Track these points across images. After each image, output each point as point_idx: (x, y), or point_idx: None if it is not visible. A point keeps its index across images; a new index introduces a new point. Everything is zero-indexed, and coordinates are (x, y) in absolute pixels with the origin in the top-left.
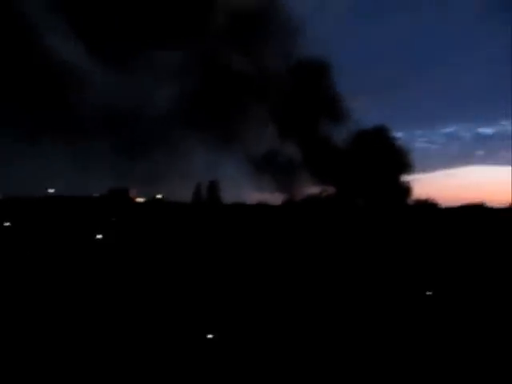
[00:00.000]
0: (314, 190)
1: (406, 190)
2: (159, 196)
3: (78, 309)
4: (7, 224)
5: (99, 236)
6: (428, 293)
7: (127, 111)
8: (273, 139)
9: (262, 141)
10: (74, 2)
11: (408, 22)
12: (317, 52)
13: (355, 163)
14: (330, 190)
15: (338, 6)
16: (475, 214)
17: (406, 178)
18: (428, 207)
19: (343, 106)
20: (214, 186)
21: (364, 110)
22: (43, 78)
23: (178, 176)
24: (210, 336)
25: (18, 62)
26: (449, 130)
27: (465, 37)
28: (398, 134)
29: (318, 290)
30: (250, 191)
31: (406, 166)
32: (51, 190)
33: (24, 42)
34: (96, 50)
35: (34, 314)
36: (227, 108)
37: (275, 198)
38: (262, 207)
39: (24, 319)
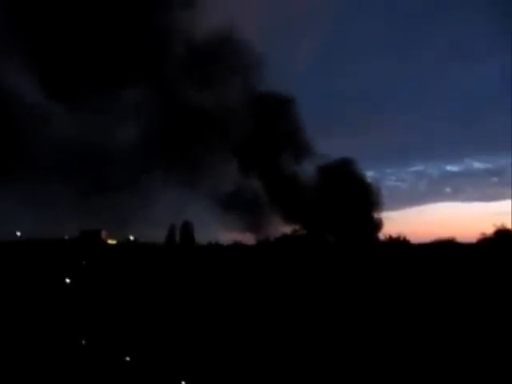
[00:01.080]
0: (285, 228)
1: (377, 226)
2: (132, 238)
3: (46, 354)
4: None
5: (68, 280)
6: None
7: (89, 151)
8: (238, 176)
9: (228, 178)
10: (32, 42)
11: (377, 65)
12: (284, 88)
13: (323, 200)
14: (300, 228)
15: (309, 45)
16: (446, 250)
17: (376, 214)
18: (399, 244)
19: (307, 140)
20: (187, 227)
21: (333, 150)
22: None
23: (146, 217)
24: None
25: None
26: (417, 168)
27: (430, 77)
28: (369, 173)
29: (297, 331)
30: (222, 231)
31: (375, 203)
32: (18, 233)
33: None
34: (55, 91)
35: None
36: (189, 146)
37: (247, 238)
38: (237, 248)
39: None
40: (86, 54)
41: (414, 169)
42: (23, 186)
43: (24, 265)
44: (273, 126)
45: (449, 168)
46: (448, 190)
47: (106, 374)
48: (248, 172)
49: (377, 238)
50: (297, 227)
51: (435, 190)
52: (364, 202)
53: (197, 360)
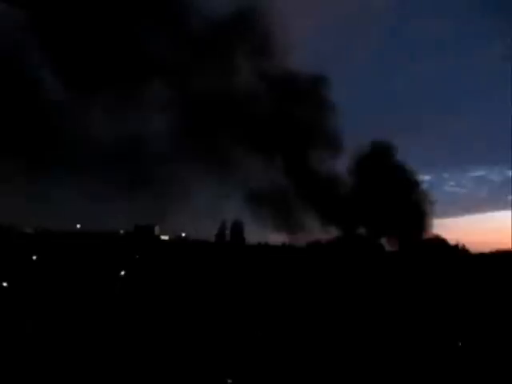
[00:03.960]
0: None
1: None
2: (183, 234)
3: (99, 345)
4: (34, 257)
5: (122, 273)
6: (455, 343)
7: (126, 149)
8: (268, 172)
9: (256, 173)
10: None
11: (438, 67)
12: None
13: (361, 197)
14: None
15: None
16: (506, 261)
17: (430, 221)
18: (458, 253)
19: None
20: (237, 226)
21: None
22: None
23: (192, 212)
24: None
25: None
26: (478, 173)
27: (495, 76)
28: (426, 177)
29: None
30: (269, 232)
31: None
32: (78, 226)
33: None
34: (87, 91)
35: (55, 351)
36: (215, 136)
37: (294, 240)
38: (286, 249)
39: (43, 357)
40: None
41: (474, 174)
42: (84, 178)
43: (83, 256)
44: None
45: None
46: (510, 197)
47: (158, 365)
48: (273, 161)
49: (434, 246)
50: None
51: (497, 197)
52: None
53: (250, 357)
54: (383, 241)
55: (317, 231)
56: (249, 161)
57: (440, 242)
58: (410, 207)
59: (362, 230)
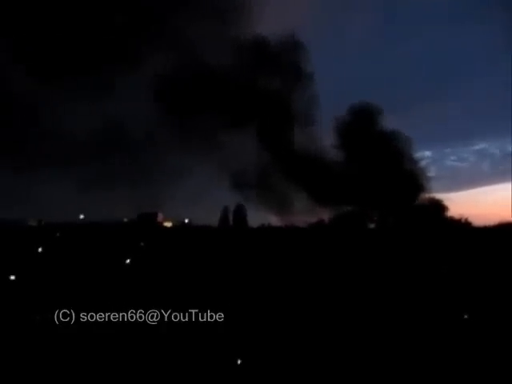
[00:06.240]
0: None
1: (435, 208)
2: (186, 220)
3: (107, 333)
4: (40, 250)
5: (128, 261)
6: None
7: (116, 135)
8: (252, 153)
9: (239, 154)
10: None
11: (437, 36)
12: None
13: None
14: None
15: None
16: (509, 233)
17: (432, 196)
18: (462, 226)
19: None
20: (240, 210)
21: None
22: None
23: (187, 199)
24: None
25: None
26: (479, 146)
27: (496, 47)
28: (427, 153)
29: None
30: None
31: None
32: (82, 216)
33: None
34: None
35: (64, 344)
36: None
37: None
38: (287, 231)
39: (52, 350)
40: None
41: (475, 147)
42: (84, 168)
43: (88, 246)
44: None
45: None
46: None
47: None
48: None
49: (437, 221)
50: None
51: (499, 171)
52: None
53: (259, 338)
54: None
55: (309, 212)
56: (229, 139)
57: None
58: (402, 180)
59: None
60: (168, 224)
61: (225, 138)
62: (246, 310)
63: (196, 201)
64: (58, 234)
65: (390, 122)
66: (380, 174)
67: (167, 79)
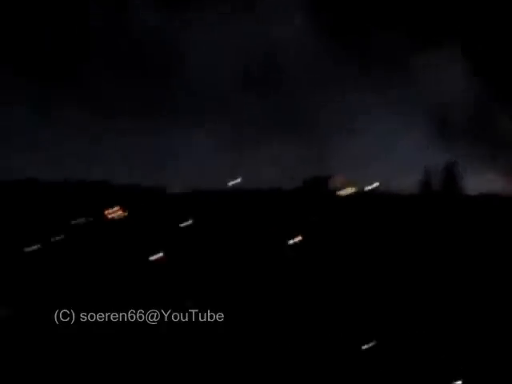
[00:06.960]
0: None
1: None
2: (375, 185)
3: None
4: (189, 222)
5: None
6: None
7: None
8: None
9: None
10: None
11: None
12: None
13: None
14: None
15: None
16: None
17: None
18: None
19: None
20: (451, 169)
21: None
22: None
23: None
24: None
25: None
26: None
27: None
28: None
29: None
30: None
31: None
32: (234, 182)
33: None
34: None
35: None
36: None
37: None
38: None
39: None
40: None
41: None
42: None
43: (243, 217)
44: None
45: None
46: None
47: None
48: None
49: None
50: None
51: None
52: None
53: None
54: None
55: None
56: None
57: None
58: None
59: None
60: (348, 191)
61: (419, 62)
62: None
63: (378, 158)
64: (207, 204)
65: None
66: None
67: None
